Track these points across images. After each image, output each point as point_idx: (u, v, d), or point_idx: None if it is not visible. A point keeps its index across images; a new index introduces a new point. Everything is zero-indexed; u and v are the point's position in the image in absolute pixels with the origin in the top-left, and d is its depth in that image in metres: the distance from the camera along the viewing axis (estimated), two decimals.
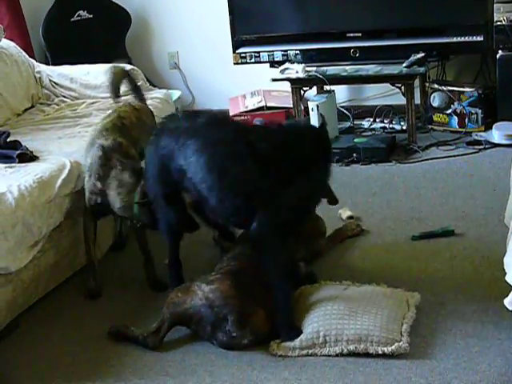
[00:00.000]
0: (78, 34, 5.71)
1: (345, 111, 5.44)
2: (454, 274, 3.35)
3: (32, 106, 4.73)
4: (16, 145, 3.82)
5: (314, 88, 5.35)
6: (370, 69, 5.03)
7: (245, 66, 5.40)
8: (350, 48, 5.13)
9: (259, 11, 5.36)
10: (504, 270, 2.63)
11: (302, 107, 5.16)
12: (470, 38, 4.91)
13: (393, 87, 5.06)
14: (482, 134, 4.99)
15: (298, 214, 3.14)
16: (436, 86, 5.16)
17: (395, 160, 4.80)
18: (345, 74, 5.06)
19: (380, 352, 2.79)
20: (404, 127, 5.16)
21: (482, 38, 4.89)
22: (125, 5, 5.78)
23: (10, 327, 3.24)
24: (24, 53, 4.88)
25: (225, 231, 3.68)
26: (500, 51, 4.86)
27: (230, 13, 5.33)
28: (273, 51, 5.28)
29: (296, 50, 5.23)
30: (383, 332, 2.83)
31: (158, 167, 3.23)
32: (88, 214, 3.51)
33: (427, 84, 5.22)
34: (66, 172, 3.57)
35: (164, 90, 4.90)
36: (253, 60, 5.34)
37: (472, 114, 5.06)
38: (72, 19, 5.73)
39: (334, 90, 5.20)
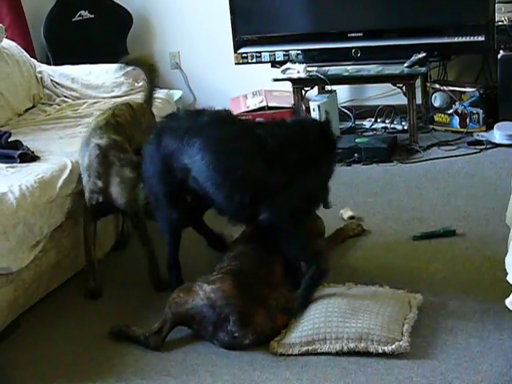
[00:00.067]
0: (79, 34, 5.71)
1: (346, 111, 5.44)
2: (456, 274, 3.35)
3: (33, 106, 4.73)
4: (17, 145, 3.82)
5: (316, 88, 5.34)
6: (372, 69, 5.04)
7: (246, 66, 5.40)
8: (352, 48, 5.13)
9: (260, 11, 5.36)
10: (505, 270, 2.63)
11: (304, 107, 5.16)
12: (472, 38, 4.91)
13: (394, 87, 5.06)
14: (483, 134, 4.98)
15: (307, 204, 3.18)
16: (437, 85, 5.16)
17: (396, 160, 4.80)
18: (346, 73, 5.06)
19: (380, 351, 2.79)
20: (405, 127, 5.15)
21: (483, 38, 4.89)
22: (126, 5, 5.78)
23: (11, 327, 3.24)
24: (25, 53, 4.87)
25: (213, 239, 3.67)
26: (501, 51, 4.86)
27: (232, 13, 5.33)
28: (274, 51, 5.28)
29: (297, 49, 5.23)
30: (384, 331, 2.82)
31: (160, 166, 3.23)
32: (88, 215, 3.51)
33: (428, 84, 5.22)
34: (67, 172, 3.57)
35: (165, 90, 4.89)
36: (254, 60, 5.34)
37: (473, 114, 5.05)
38: (73, 19, 5.73)
39: (335, 90, 5.21)
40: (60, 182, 3.51)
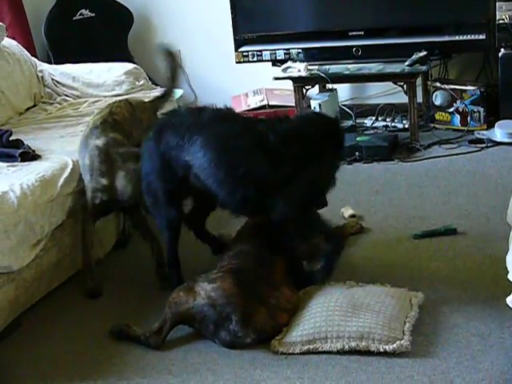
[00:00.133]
0: (80, 33, 5.71)
1: (347, 110, 5.43)
2: (457, 273, 3.35)
3: (34, 105, 4.73)
4: (18, 144, 3.82)
5: (317, 86, 5.34)
6: (373, 67, 5.03)
7: (247, 65, 5.40)
8: (353, 46, 5.13)
9: (261, 10, 5.36)
10: (506, 268, 2.63)
11: (305, 106, 5.16)
12: (472, 37, 4.91)
13: (395, 86, 5.06)
14: (484, 132, 4.98)
15: (316, 195, 3.22)
16: (438, 84, 5.16)
17: (397, 158, 4.80)
18: (347, 72, 5.06)
19: (381, 350, 2.79)
20: (406, 126, 5.15)
21: (484, 37, 4.89)
22: (127, 3, 5.78)
23: (12, 326, 3.24)
24: (26, 51, 4.88)
25: (213, 244, 3.66)
26: (502, 49, 4.86)
27: (232, 11, 5.33)
28: (275, 50, 5.28)
29: (298, 48, 5.23)
30: (385, 330, 2.82)
31: (159, 163, 3.22)
32: (88, 214, 3.51)
33: (429, 82, 5.21)
34: (68, 171, 3.57)
35: None
36: (255, 58, 5.34)
37: (474, 112, 5.05)
38: (74, 18, 5.73)
39: (336, 89, 5.21)
40: (61, 180, 3.51)
